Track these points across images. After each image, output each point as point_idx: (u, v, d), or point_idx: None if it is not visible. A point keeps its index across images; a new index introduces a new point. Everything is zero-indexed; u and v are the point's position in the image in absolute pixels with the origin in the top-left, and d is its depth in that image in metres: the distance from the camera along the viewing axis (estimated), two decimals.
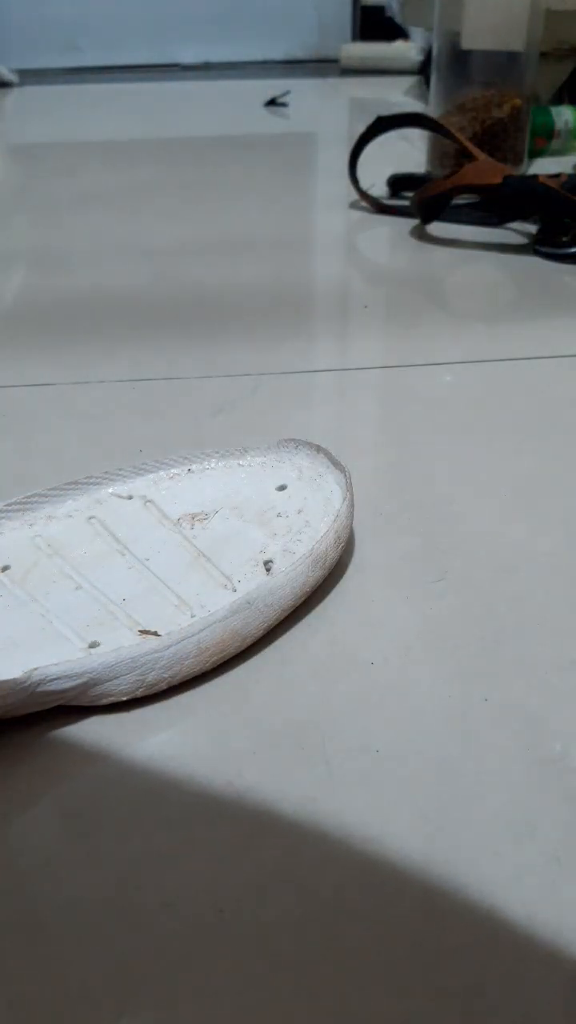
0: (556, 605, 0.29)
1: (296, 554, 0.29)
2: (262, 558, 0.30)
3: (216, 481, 0.34)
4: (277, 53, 2.20)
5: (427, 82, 1.29)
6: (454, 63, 0.80)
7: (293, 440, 0.35)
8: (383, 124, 0.74)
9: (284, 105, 1.42)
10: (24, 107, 1.49)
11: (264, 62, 2.18)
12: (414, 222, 0.74)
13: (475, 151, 0.70)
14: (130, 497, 0.33)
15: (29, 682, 0.23)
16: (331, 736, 0.24)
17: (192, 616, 0.27)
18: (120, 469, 0.34)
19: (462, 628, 0.28)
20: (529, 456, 0.38)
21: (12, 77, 1.71)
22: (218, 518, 0.32)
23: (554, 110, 0.92)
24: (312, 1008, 0.18)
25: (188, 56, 2.16)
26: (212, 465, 0.34)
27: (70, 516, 0.32)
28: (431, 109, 0.85)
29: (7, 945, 0.19)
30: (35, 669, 0.24)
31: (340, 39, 2.13)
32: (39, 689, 0.24)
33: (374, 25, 2.11)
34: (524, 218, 0.67)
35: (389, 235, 0.71)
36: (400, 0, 1.47)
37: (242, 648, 0.27)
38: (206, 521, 0.32)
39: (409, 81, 1.68)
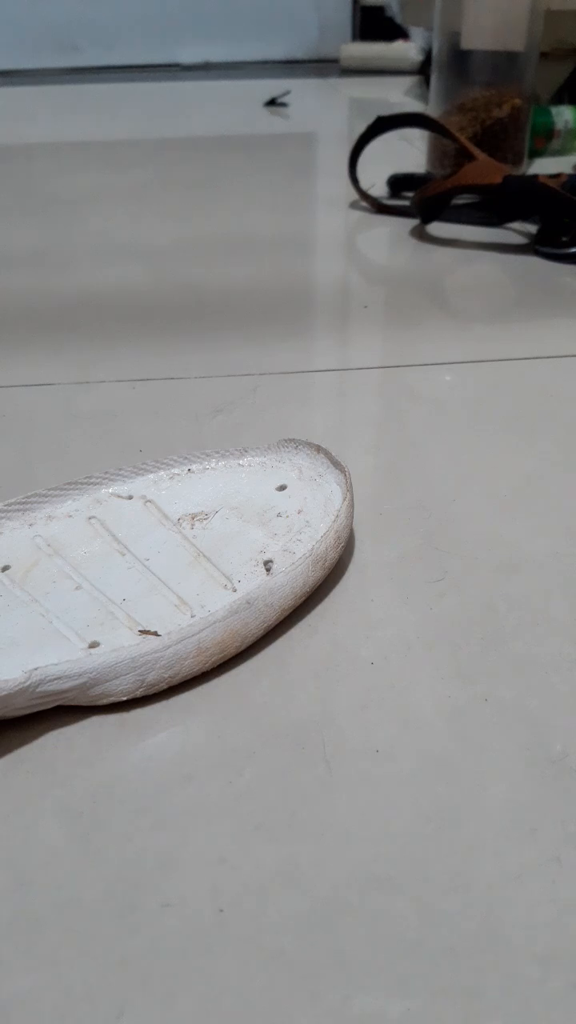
0: (556, 605, 0.29)
1: (296, 554, 0.29)
2: (262, 558, 0.30)
3: (216, 481, 0.34)
4: (277, 53, 2.20)
5: (427, 82, 1.29)
6: (454, 63, 0.80)
7: (293, 440, 0.35)
8: (383, 124, 0.74)
9: (284, 105, 1.42)
10: (24, 107, 1.49)
11: (264, 62, 2.19)
12: (414, 222, 0.74)
13: (475, 151, 0.70)
14: (130, 497, 0.33)
15: (29, 682, 0.23)
16: (331, 736, 0.24)
17: (192, 616, 0.27)
18: (120, 469, 0.34)
19: (462, 628, 0.28)
20: (529, 456, 0.38)
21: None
22: (218, 518, 0.32)
23: (554, 110, 0.92)
24: (312, 1008, 0.18)
25: (188, 56, 2.16)
26: (212, 465, 0.34)
27: (70, 516, 0.32)
28: (431, 109, 0.85)
29: (7, 945, 0.19)
30: (35, 669, 0.24)
31: (340, 39, 2.13)
32: (39, 689, 0.24)
33: (374, 25, 2.11)
34: (524, 218, 0.67)
35: (389, 235, 0.71)
36: (400, 0, 1.47)
37: (242, 648, 0.27)
38: (206, 521, 0.32)
39: (409, 81, 1.68)
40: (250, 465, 0.34)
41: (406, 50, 1.83)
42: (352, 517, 0.31)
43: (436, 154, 0.85)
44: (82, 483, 0.33)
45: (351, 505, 0.31)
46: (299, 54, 2.21)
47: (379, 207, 0.76)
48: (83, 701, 0.25)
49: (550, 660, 0.27)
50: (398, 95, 1.50)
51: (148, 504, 0.32)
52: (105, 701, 0.25)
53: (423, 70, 1.64)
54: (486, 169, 0.66)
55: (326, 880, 0.20)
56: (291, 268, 0.63)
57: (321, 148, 1.08)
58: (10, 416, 0.43)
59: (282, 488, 0.33)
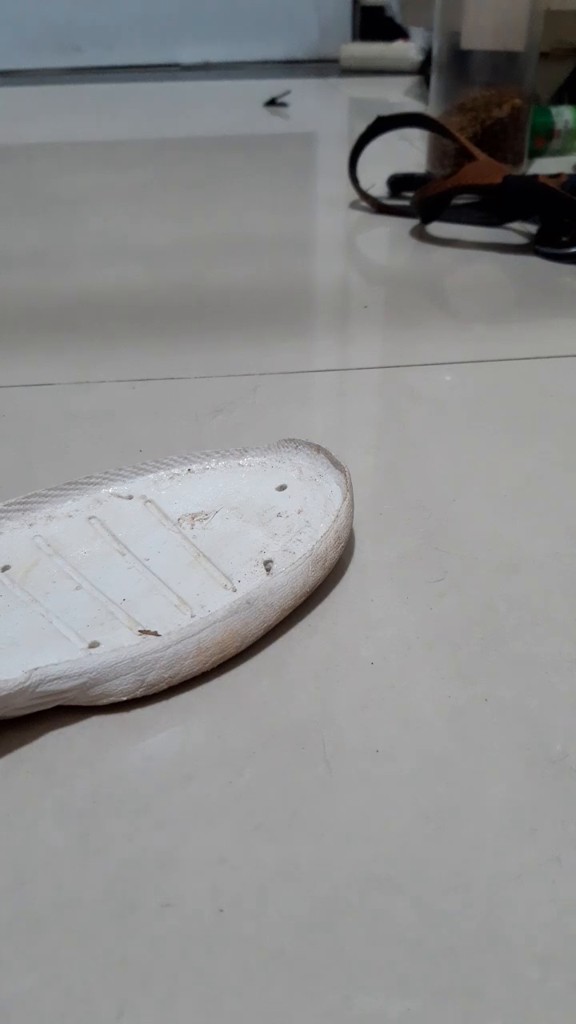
0: (556, 605, 0.29)
1: (296, 554, 0.29)
2: (262, 558, 0.30)
3: (216, 481, 0.34)
4: (277, 53, 2.20)
5: (427, 82, 1.29)
6: (454, 63, 0.80)
7: (293, 440, 0.35)
8: (383, 124, 0.74)
9: (284, 105, 1.42)
10: (24, 107, 1.49)
11: (264, 62, 2.18)
12: (414, 222, 0.74)
13: (475, 151, 0.70)
14: (130, 497, 0.33)
15: (29, 682, 0.23)
16: (331, 736, 0.24)
17: (192, 616, 0.27)
18: (120, 469, 0.34)
19: (462, 628, 0.28)
20: (529, 456, 0.38)
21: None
22: (218, 518, 0.32)
23: (554, 110, 0.92)
24: (312, 1008, 0.18)
25: (188, 56, 2.16)
26: (212, 465, 0.34)
27: (70, 516, 0.32)
28: (431, 109, 0.85)
29: (7, 945, 0.19)
30: (35, 669, 0.24)
31: (340, 39, 2.13)
32: (39, 689, 0.24)
33: (374, 25, 2.11)
34: (524, 218, 0.67)
35: (389, 235, 0.71)
36: (400, 0, 1.47)
37: (242, 648, 0.27)
38: (206, 521, 0.32)
39: (409, 81, 1.68)
40: (250, 465, 0.34)
41: (406, 50, 1.83)
42: (352, 517, 0.31)
43: (436, 154, 0.85)
44: (82, 483, 0.33)
45: (351, 505, 0.31)
46: (299, 54, 2.21)
47: (379, 207, 0.76)
48: (83, 701, 0.25)
49: (550, 660, 0.27)
50: (398, 95, 1.50)
51: (148, 504, 0.32)
52: (105, 701, 0.25)
53: (423, 70, 1.64)
54: (486, 169, 0.66)
55: (326, 880, 0.20)
56: (291, 268, 0.63)
57: (321, 148, 1.08)
58: (10, 416, 0.43)
59: (282, 488, 0.33)
